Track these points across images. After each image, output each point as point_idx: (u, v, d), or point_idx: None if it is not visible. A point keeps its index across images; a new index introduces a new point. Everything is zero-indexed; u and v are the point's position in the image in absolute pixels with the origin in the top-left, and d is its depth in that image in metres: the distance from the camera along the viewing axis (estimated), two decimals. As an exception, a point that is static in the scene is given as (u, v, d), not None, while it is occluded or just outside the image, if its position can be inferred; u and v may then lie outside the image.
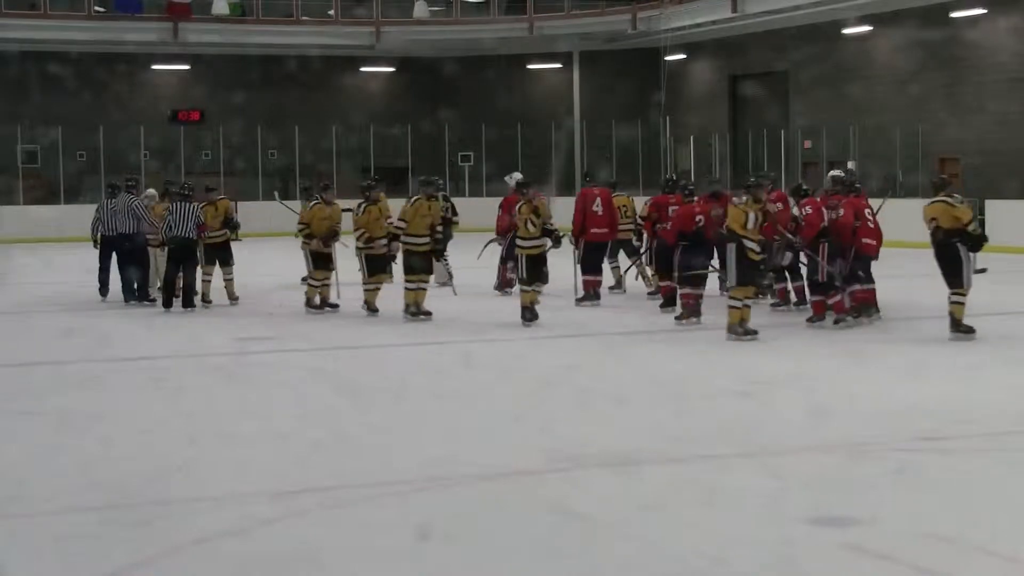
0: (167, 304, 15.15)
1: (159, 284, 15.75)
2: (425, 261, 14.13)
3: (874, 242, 13.05)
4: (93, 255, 16.60)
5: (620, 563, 5.78)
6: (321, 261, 15.04)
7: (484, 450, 8.04)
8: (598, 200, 15.51)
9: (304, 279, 15.78)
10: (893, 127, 28.56)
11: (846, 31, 30.29)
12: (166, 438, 8.55)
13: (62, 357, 12.52)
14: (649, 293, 15.88)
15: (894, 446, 8.07)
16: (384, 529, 6.37)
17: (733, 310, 12.33)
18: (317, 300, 15.04)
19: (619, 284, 16.73)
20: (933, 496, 6.86)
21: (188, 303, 15.24)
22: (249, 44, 34.48)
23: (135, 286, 16.10)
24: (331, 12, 35.37)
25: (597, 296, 15.46)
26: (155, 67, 35.74)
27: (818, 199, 13.33)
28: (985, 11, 26.96)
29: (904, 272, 16.66)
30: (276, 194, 20.31)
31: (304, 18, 35.14)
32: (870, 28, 29.71)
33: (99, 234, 16.32)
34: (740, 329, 12.26)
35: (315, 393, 10.32)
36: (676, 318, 13.65)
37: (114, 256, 16.31)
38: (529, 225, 13.47)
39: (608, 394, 9.98)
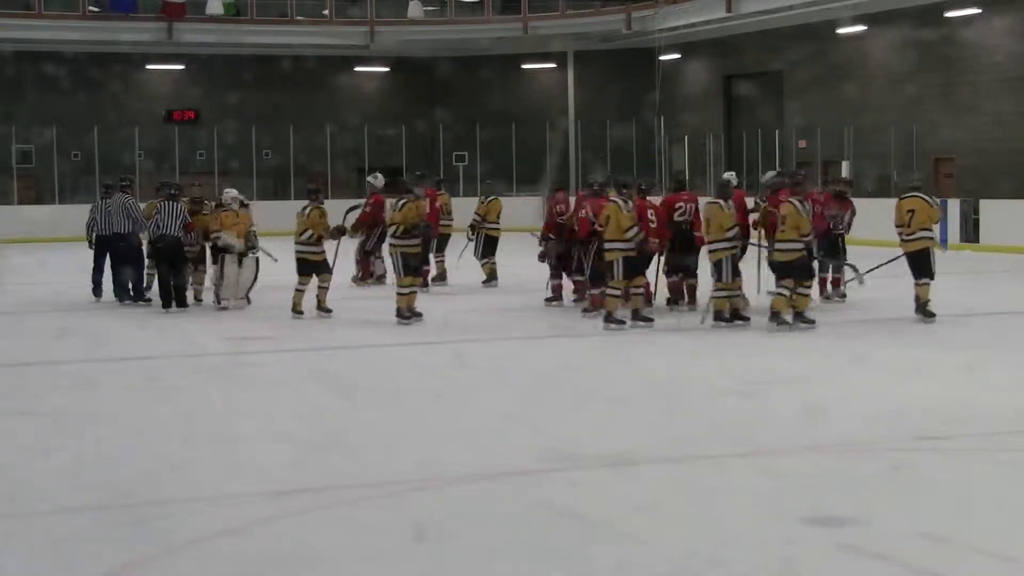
0: (167, 304, 15.12)
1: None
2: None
3: (656, 241, 13.84)
4: (88, 255, 16.58)
5: (616, 563, 5.77)
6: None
7: (480, 450, 8.03)
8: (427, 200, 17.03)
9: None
10: (888, 127, 28.59)
11: (840, 31, 30.32)
12: (161, 438, 8.54)
13: (57, 357, 12.51)
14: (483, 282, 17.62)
15: (891, 446, 8.08)
16: (380, 529, 6.36)
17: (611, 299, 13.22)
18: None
19: (443, 276, 18.07)
20: (929, 496, 6.86)
21: (182, 303, 15.23)
22: (244, 44, 34.49)
23: (130, 286, 16.08)
24: (325, 12, 35.40)
25: (425, 285, 16.77)
26: (150, 67, 35.74)
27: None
28: (980, 11, 26.99)
29: (900, 272, 16.66)
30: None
31: (299, 18, 35.16)
32: (864, 28, 29.74)
33: (94, 234, 16.30)
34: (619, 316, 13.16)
35: (311, 393, 10.31)
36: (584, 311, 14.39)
37: (108, 256, 16.30)
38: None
39: (604, 394, 9.98)
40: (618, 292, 13.28)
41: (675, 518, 6.53)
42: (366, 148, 34.69)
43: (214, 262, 15.72)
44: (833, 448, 7.96)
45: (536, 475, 7.40)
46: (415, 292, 14.00)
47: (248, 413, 9.40)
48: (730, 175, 14.93)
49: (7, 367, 11.96)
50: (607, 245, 13.18)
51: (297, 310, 14.46)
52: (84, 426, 8.99)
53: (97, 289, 16.39)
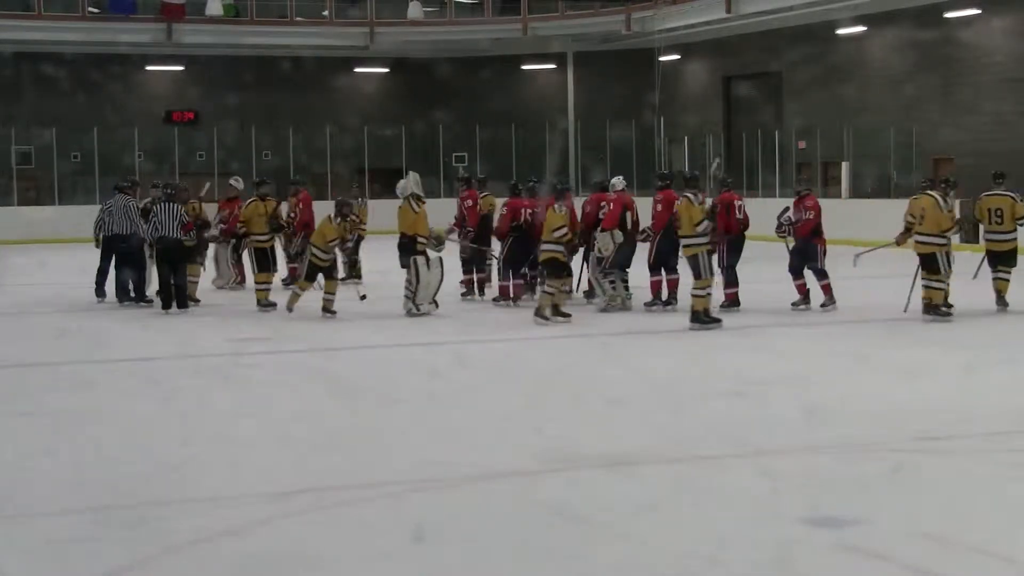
0: (167, 306, 15.11)
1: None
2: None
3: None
4: (88, 256, 16.59)
5: (615, 563, 5.77)
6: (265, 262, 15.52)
7: (479, 451, 8.03)
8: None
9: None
10: (887, 128, 28.60)
11: (840, 32, 30.34)
12: (162, 439, 8.54)
13: (57, 358, 12.51)
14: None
15: (890, 446, 8.07)
16: (380, 529, 6.36)
17: (546, 295, 13.75)
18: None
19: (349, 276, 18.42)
20: (929, 496, 6.86)
21: (182, 304, 15.23)
22: (243, 45, 34.49)
23: (131, 287, 16.08)
24: (325, 13, 35.41)
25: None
26: (149, 68, 35.75)
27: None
28: (979, 11, 27.01)
29: (900, 272, 16.66)
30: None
31: (298, 19, 35.17)
32: (864, 29, 29.76)
33: (100, 234, 16.29)
34: (548, 314, 13.63)
35: (310, 394, 10.31)
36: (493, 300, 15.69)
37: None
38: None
39: (603, 394, 9.97)
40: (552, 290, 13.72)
41: (675, 518, 6.53)
42: (366, 149, 34.70)
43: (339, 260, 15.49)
44: (833, 448, 7.96)
45: (536, 475, 7.40)
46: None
47: (248, 414, 9.40)
48: (617, 179, 15.12)
49: (7, 368, 11.95)
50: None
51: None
52: (84, 426, 8.99)
53: (99, 290, 16.38)
